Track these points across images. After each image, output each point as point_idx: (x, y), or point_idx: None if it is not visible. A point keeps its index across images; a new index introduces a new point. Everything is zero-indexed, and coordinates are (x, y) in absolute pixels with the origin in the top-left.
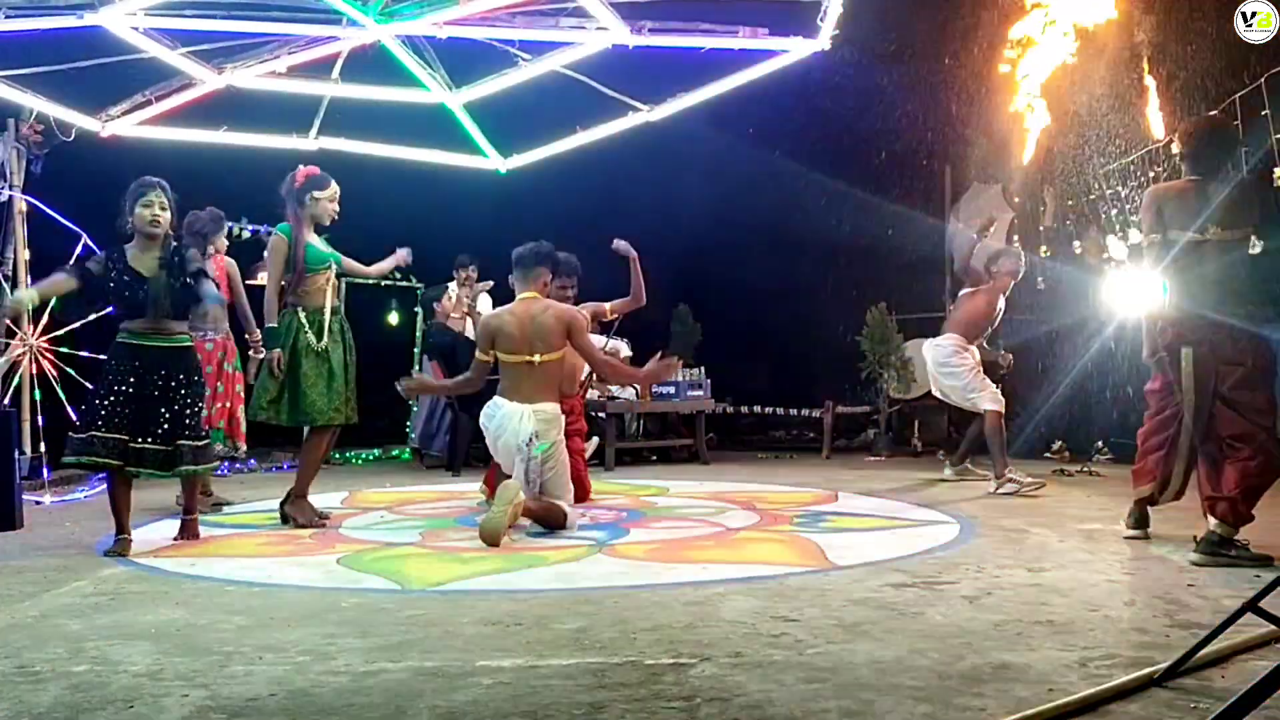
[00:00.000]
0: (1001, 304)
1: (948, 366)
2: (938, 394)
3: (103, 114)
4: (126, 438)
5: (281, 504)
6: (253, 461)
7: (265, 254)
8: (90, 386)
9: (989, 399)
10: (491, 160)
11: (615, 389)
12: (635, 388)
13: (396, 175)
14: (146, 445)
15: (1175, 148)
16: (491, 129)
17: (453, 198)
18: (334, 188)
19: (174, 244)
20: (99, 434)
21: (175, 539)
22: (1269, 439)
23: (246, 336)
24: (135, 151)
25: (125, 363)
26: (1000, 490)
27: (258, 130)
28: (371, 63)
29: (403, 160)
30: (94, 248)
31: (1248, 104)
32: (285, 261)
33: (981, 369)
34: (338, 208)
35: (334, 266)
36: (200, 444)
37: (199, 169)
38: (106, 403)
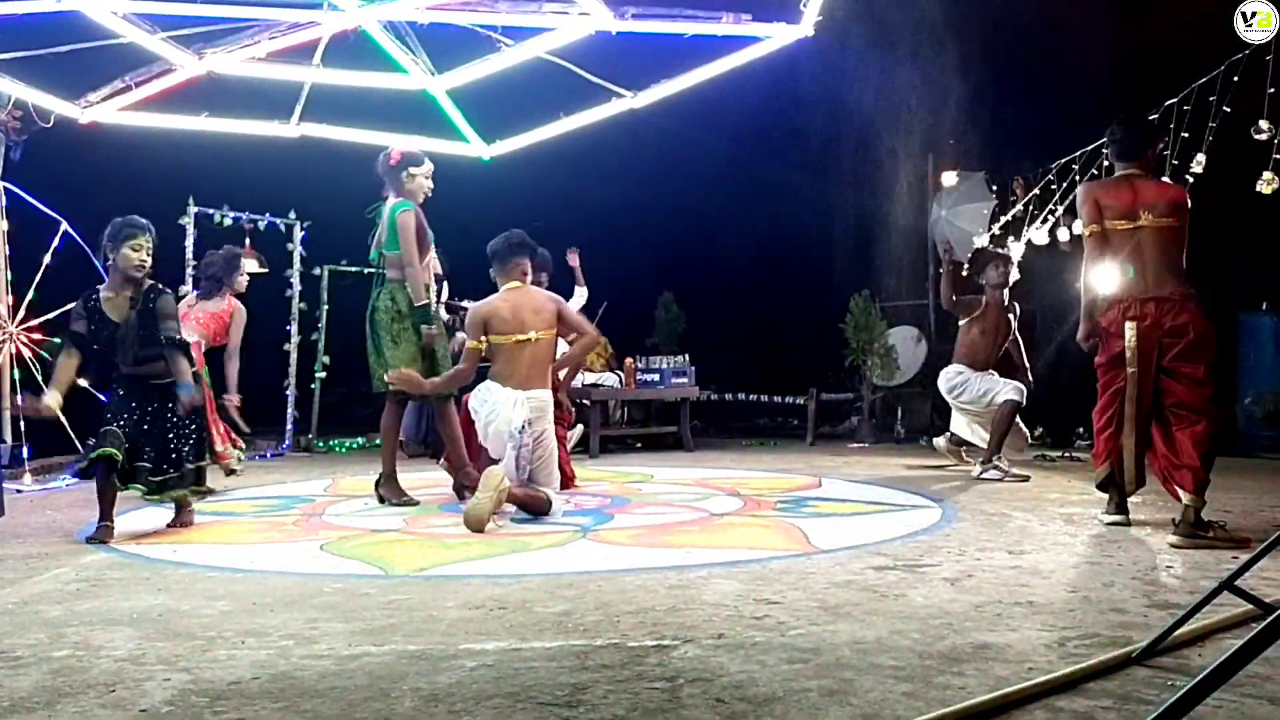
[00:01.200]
0: (1004, 320)
1: (956, 390)
2: (967, 433)
3: (82, 100)
4: (129, 445)
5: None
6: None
7: (397, 235)
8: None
9: (1010, 390)
10: (475, 147)
11: (598, 377)
12: (620, 374)
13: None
14: (142, 464)
15: (1106, 142)
16: (475, 115)
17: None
18: (429, 165)
19: (147, 284)
20: (109, 428)
21: (168, 525)
22: (1211, 406)
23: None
24: (116, 138)
25: (124, 394)
26: (983, 475)
27: (239, 116)
28: (353, 48)
29: (385, 147)
30: (73, 234)
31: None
32: (421, 231)
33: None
34: (433, 185)
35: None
36: (189, 472)
37: (180, 156)
38: (115, 412)
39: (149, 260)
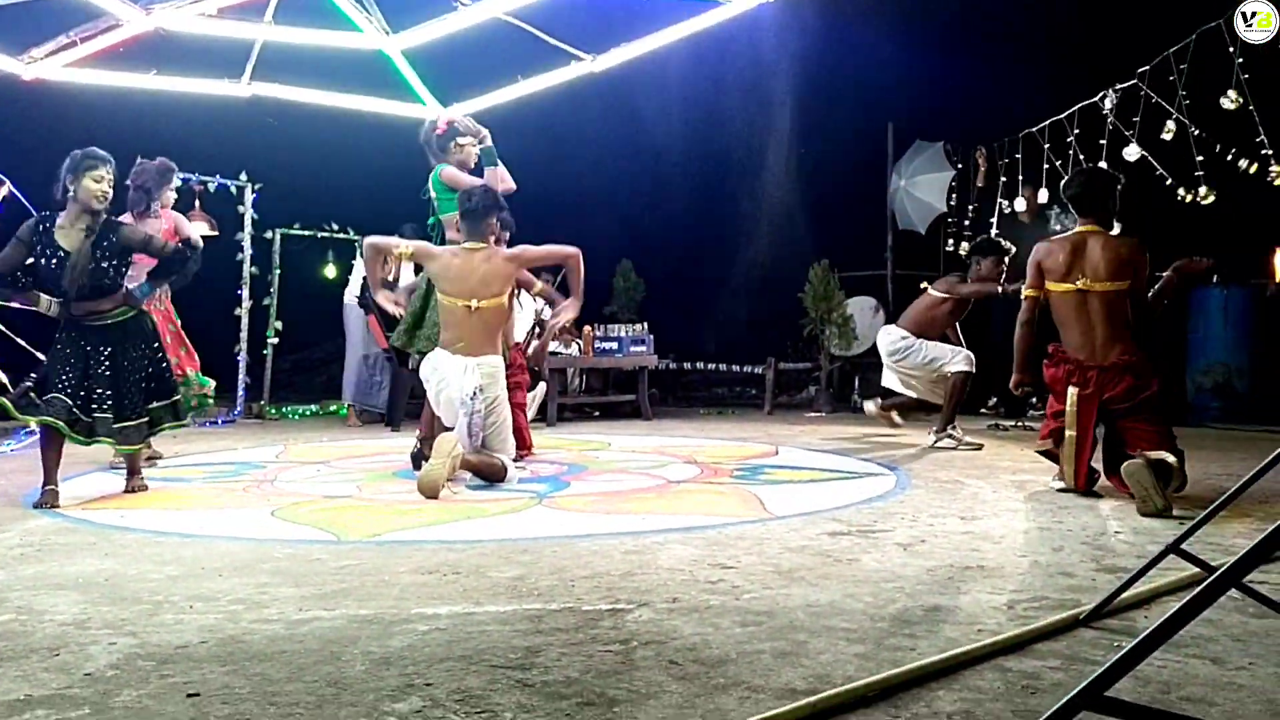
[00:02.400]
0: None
1: (898, 355)
2: (901, 387)
3: (25, 56)
4: (71, 403)
5: None
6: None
7: (447, 194)
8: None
9: (961, 361)
10: (431, 109)
11: (559, 345)
12: (579, 343)
13: (333, 123)
14: (92, 418)
15: (1064, 195)
16: (430, 77)
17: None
18: (477, 132)
19: (105, 217)
20: (54, 395)
21: (125, 491)
22: (1163, 438)
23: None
24: (61, 96)
25: (72, 340)
26: (938, 444)
27: (188, 74)
28: (306, 5)
29: (339, 108)
30: (16, 194)
31: None
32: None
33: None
34: (478, 153)
35: None
36: (139, 423)
37: (128, 115)
38: (56, 374)
39: (110, 192)
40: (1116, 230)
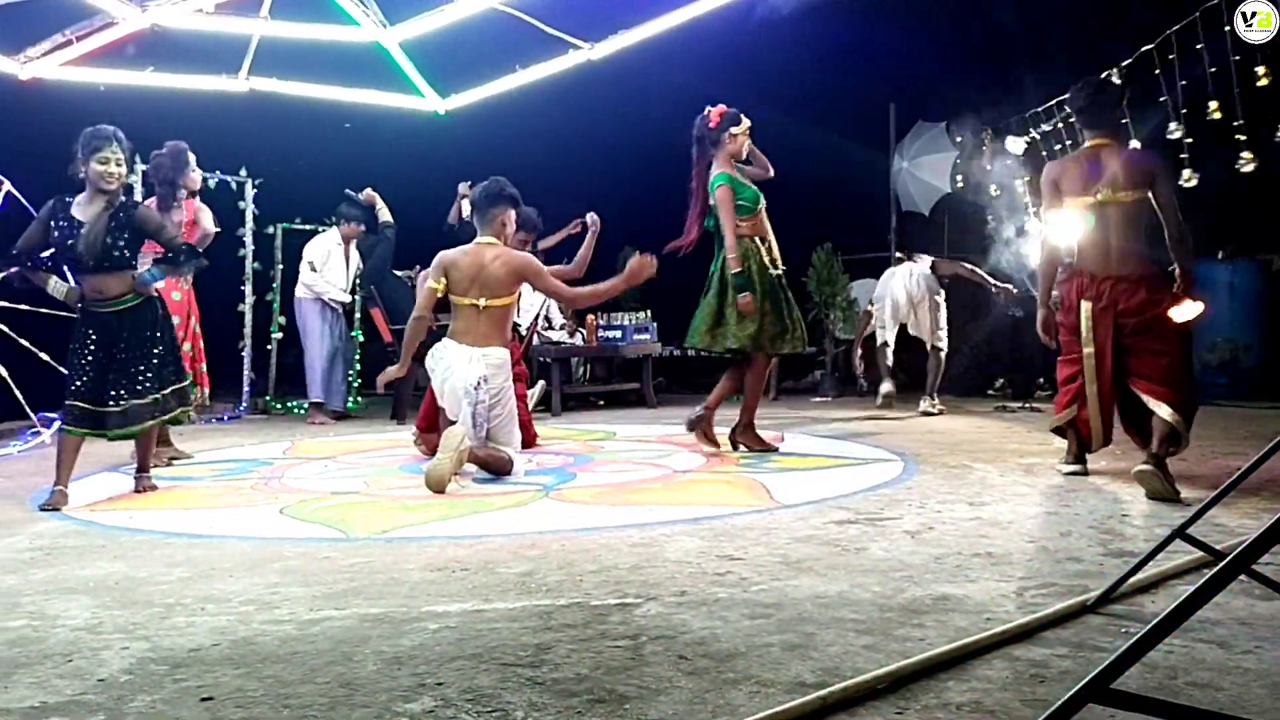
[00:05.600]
0: None
1: (941, 294)
2: (907, 319)
3: (21, 55)
4: (93, 407)
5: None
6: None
7: (714, 205)
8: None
9: (944, 339)
10: (429, 101)
11: (561, 335)
12: (583, 332)
13: (332, 117)
14: (110, 410)
15: (1071, 111)
16: (429, 68)
17: (390, 140)
18: (747, 122)
19: (124, 199)
20: (72, 403)
21: (134, 491)
22: (1174, 374)
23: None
24: (59, 95)
25: (90, 331)
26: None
27: (186, 71)
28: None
29: (337, 101)
30: (16, 195)
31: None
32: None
33: None
34: (750, 143)
35: (762, 200)
36: (150, 401)
37: (126, 113)
38: (76, 372)
39: (122, 170)
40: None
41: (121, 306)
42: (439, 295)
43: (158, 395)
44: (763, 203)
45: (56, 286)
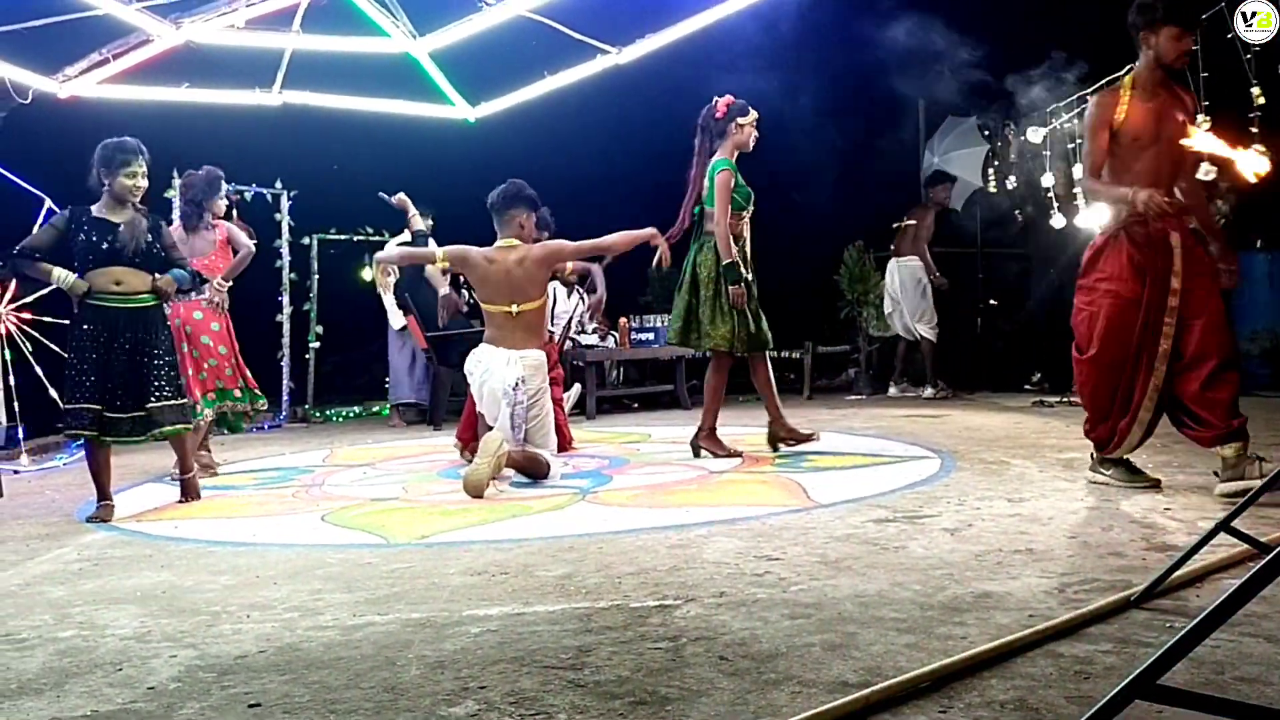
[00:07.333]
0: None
1: (924, 284)
2: (894, 315)
3: (60, 74)
4: (100, 408)
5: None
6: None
7: (708, 193)
8: (64, 354)
9: (932, 328)
10: (460, 109)
11: (593, 339)
12: (615, 334)
13: (364, 128)
14: (119, 415)
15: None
16: (458, 77)
17: (422, 149)
18: (754, 113)
19: (150, 212)
20: (74, 405)
21: (179, 501)
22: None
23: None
24: (96, 112)
25: (92, 328)
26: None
27: (220, 86)
28: (333, 12)
29: (370, 112)
30: (56, 211)
31: None
32: (734, 194)
33: None
34: (757, 135)
35: (751, 207)
36: (176, 403)
37: (163, 128)
38: (78, 372)
39: (145, 185)
40: None
41: (136, 303)
42: (436, 264)
43: (181, 397)
44: (751, 209)
45: (63, 277)
